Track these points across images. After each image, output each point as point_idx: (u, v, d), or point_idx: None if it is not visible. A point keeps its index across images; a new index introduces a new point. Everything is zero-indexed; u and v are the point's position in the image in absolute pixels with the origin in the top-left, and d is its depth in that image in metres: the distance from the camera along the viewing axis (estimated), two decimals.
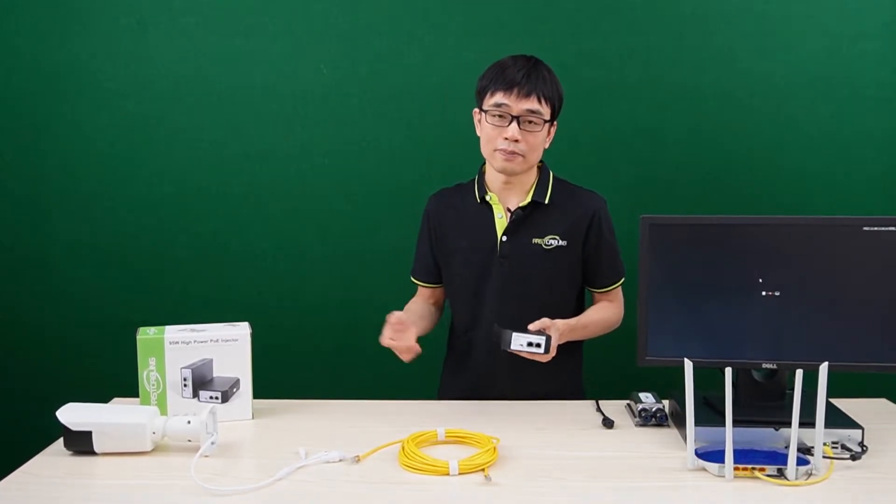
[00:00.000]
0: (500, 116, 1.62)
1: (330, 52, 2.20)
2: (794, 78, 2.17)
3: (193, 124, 2.23)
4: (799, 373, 1.23)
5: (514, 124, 1.61)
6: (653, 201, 2.19)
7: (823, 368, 1.24)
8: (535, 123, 1.63)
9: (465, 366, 1.70)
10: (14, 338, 2.31)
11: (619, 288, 1.80)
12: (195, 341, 1.52)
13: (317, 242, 2.26)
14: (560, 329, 1.58)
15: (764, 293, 1.39)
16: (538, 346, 1.50)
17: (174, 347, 1.51)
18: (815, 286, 1.38)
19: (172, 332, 1.53)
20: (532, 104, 1.61)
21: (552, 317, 1.60)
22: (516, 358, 1.56)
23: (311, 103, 2.22)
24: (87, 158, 2.25)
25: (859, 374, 1.86)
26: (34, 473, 1.30)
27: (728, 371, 1.25)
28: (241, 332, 1.55)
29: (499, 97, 1.61)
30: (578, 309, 1.78)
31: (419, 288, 1.86)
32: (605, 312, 1.76)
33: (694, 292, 1.41)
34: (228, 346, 1.54)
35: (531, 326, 1.53)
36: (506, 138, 1.61)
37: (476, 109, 1.70)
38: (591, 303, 1.82)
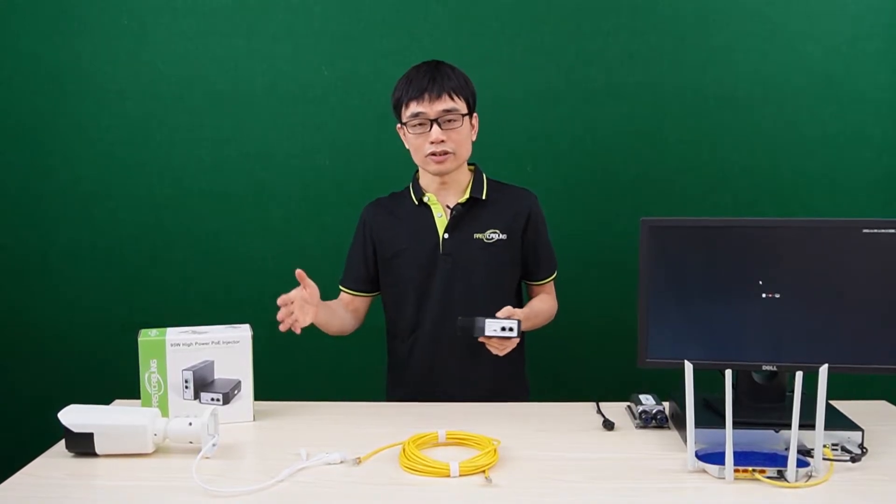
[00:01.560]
0: (420, 124, 1.68)
1: (331, 52, 2.20)
2: (794, 79, 2.18)
3: (194, 125, 2.24)
4: (799, 375, 1.23)
5: (436, 127, 1.66)
6: (653, 203, 2.20)
7: (823, 370, 1.24)
8: (455, 120, 1.68)
9: (410, 366, 1.72)
10: (14, 338, 2.31)
11: (553, 281, 1.86)
12: (196, 343, 1.52)
13: (317, 243, 2.26)
14: (520, 317, 1.61)
15: (764, 295, 1.39)
16: (511, 329, 1.51)
17: (175, 349, 1.52)
18: (815, 288, 1.39)
19: (173, 333, 1.53)
20: (446, 104, 1.66)
21: (494, 311, 1.62)
22: (463, 355, 1.60)
23: (311, 104, 2.22)
24: (87, 159, 2.25)
25: (859, 376, 1.86)
26: (35, 475, 1.30)
27: (728, 373, 1.25)
28: (242, 333, 1.55)
29: (413, 107, 1.67)
30: (518, 303, 1.80)
31: (342, 295, 1.87)
32: (546, 304, 1.83)
33: (694, 294, 1.42)
34: (229, 347, 1.54)
35: (499, 314, 1.56)
36: (431, 142, 1.66)
37: (398, 125, 1.74)
38: (528, 296, 1.86)
